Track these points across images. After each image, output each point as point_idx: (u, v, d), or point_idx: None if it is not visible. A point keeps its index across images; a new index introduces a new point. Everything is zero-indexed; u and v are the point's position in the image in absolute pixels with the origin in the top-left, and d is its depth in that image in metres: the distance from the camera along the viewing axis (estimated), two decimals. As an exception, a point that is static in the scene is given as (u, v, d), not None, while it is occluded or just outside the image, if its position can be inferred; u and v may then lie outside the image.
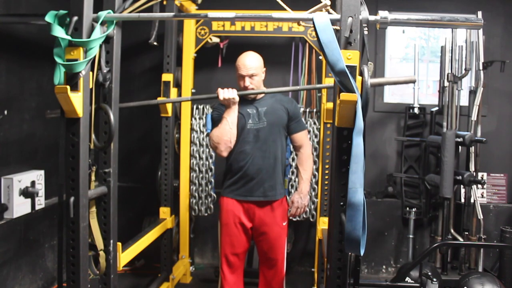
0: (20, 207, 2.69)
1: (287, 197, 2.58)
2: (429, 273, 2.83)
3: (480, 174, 3.41)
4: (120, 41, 1.86)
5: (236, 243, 2.42)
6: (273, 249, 2.45)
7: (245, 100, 2.41)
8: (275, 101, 2.45)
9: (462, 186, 3.34)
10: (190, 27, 3.30)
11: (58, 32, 1.61)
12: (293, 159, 3.34)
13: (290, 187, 3.36)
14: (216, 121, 2.41)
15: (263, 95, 2.45)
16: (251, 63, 2.33)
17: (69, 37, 1.62)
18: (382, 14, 1.60)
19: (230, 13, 1.77)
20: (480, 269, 3.18)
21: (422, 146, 3.62)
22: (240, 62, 2.34)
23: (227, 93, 2.24)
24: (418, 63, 3.57)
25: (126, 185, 3.68)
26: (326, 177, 3.07)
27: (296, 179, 3.38)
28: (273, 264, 2.47)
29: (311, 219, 3.42)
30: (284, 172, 2.52)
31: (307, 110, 3.42)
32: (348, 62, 1.50)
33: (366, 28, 1.61)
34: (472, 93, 3.35)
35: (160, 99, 3.11)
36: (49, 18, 1.64)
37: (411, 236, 3.54)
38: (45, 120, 3.01)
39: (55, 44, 1.63)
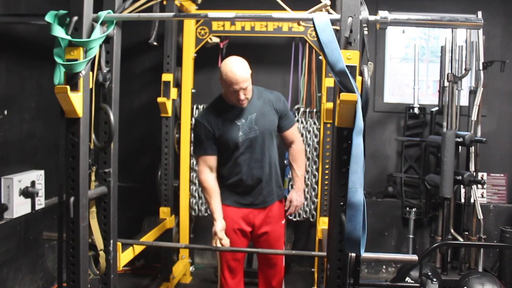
0: (20, 207, 2.69)
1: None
2: (429, 273, 2.84)
3: (480, 174, 3.40)
4: (120, 41, 1.86)
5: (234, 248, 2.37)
6: (273, 248, 2.44)
7: (232, 108, 2.26)
8: (263, 102, 2.32)
9: (462, 186, 3.34)
10: (190, 27, 3.30)
11: (58, 32, 1.61)
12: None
13: (290, 187, 3.36)
14: (200, 141, 2.27)
15: (249, 98, 2.26)
16: (242, 75, 2.11)
17: (69, 37, 1.62)
18: (382, 14, 1.60)
19: (230, 13, 1.77)
20: (480, 269, 3.18)
21: (422, 146, 3.62)
22: (230, 76, 2.10)
23: (219, 242, 2.21)
24: (418, 63, 3.57)
25: (126, 185, 3.68)
26: (326, 177, 3.07)
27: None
28: (273, 263, 2.46)
29: (311, 219, 3.42)
30: (283, 172, 2.50)
31: (307, 110, 3.42)
32: (348, 62, 1.49)
33: (366, 28, 1.61)
34: (472, 93, 3.35)
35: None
36: (49, 18, 1.64)
37: (411, 236, 3.54)
38: (45, 120, 3.02)
39: (55, 44, 1.63)
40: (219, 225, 2.22)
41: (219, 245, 2.22)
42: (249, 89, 2.19)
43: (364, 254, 1.87)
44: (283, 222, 2.46)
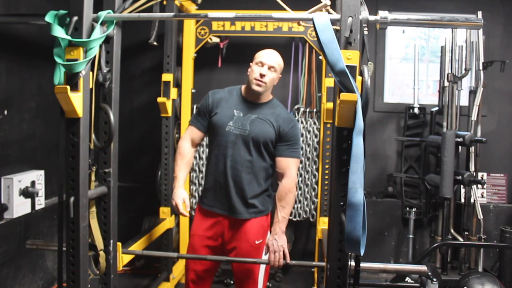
0: (20, 207, 2.69)
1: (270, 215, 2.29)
2: (429, 273, 2.83)
3: (480, 174, 3.41)
4: (120, 41, 1.85)
5: (199, 260, 2.22)
6: (244, 270, 2.21)
7: (241, 98, 2.21)
8: (272, 113, 2.18)
9: (462, 186, 3.34)
10: (190, 27, 3.30)
11: (58, 32, 1.61)
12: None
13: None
14: (198, 112, 2.27)
15: (267, 100, 2.21)
16: (276, 56, 2.18)
17: (69, 37, 1.61)
18: (382, 14, 1.60)
19: (230, 13, 1.77)
20: (480, 269, 3.18)
21: (422, 146, 3.63)
22: (265, 51, 2.18)
23: (176, 208, 2.15)
24: (418, 63, 3.57)
25: (126, 185, 3.68)
26: (326, 177, 3.07)
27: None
28: (244, 286, 2.24)
29: (311, 219, 3.42)
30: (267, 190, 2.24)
31: (307, 110, 3.43)
32: (348, 62, 1.49)
33: (366, 28, 1.60)
34: (472, 93, 3.36)
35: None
36: (49, 18, 1.64)
37: (411, 236, 3.54)
38: (45, 120, 3.02)
39: (55, 44, 1.63)
40: (180, 193, 2.15)
41: (182, 211, 2.14)
42: (271, 78, 2.15)
43: (371, 265, 1.87)
44: (258, 242, 2.19)
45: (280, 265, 2.10)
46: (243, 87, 2.26)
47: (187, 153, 2.25)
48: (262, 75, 2.12)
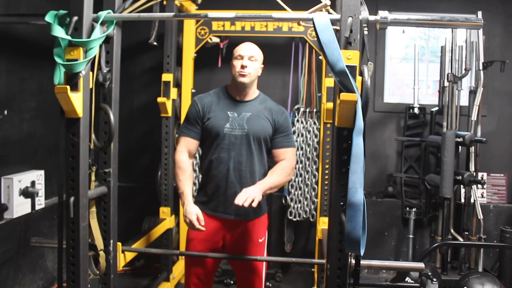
0: (20, 207, 2.69)
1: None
2: (429, 273, 2.83)
3: (480, 174, 3.41)
4: (120, 41, 1.86)
5: (200, 262, 2.20)
6: (247, 269, 2.23)
7: (230, 99, 2.20)
8: (264, 108, 2.20)
9: (462, 186, 3.34)
10: (190, 27, 3.30)
11: (58, 32, 1.61)
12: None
13: (290, 186, 3.38)
14: (187, 121, 2.19)
15: (255, 95, 2.22)
16: (253, 47, 2.18)
17: (69, 37, 1.62)
18: (382, 14, 1.60)
19: (230, 13, 1.77)
20: (480, 269, 3.18)
21: (422, 146, 3.63)
22: (242, 44, 2.18)
23: (191, 224, 2.07)
24: (418, 63, 3.57)
25: (126, 185, 3.68)
26: (326, 177, 3.07)
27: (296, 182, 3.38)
28: (249, 285, 2.26)
29: (311, 219, 3.42)
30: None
31: (307, 110, 3.43)
32: (348, 62, 1.49)
33: (366, 28, 1.61)
34: (472, 93, 3.35)
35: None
36: (49, 18, 1.64)
37: (411, 236, 3.54)
38: (45, 120, 3.02)
39: (55, 44, 1.63)
40: (192, 209, 2.09)
41: (199, 227, 2.06)
42: (254, 68, 2.15)
43: (369, 262, 1.87)
44: (261, 240, 2.23)
45: (244, 205, 1.97)
46: (228, 87, 2.26)
47: (187, 166, 2.19)
48: (243, 66, 2.12)
